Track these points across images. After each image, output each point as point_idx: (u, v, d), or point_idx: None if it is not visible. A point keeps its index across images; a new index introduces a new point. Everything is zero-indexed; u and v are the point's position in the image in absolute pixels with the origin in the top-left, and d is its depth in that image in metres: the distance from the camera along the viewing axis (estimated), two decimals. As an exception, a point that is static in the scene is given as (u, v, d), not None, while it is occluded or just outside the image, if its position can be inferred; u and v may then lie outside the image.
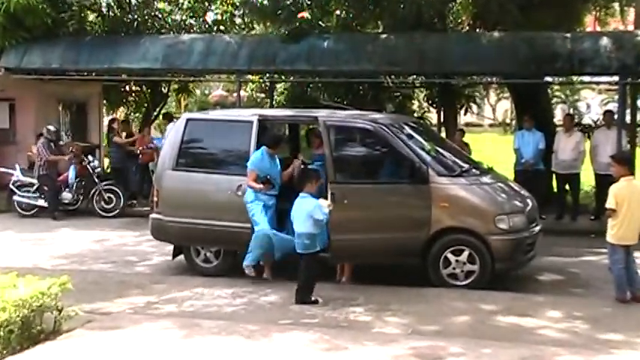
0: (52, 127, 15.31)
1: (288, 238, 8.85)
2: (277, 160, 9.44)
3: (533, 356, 6.38)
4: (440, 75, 15.63)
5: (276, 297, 8.49)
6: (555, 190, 14.58)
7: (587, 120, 22.96)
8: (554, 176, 14.46)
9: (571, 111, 32.23)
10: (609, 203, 8.14)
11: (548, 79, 17.76)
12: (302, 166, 10.14)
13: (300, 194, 8.39)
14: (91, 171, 15.31)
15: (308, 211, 8.19)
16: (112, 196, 15.20)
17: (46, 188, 14.97)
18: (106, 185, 15.29)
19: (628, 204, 8.05)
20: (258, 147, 9.40)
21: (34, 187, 15.11)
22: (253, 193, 9.15)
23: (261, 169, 9.17)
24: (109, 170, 17.39)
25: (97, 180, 15.24)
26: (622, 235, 8.15)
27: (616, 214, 8.08)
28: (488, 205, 9.05)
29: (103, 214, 15.04)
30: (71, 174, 15.22)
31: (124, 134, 17.05)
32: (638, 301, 8.14)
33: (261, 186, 9.13)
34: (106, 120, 23.56)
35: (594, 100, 38.13)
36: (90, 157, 15.64)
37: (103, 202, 15.17)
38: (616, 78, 14.04)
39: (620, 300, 8.16)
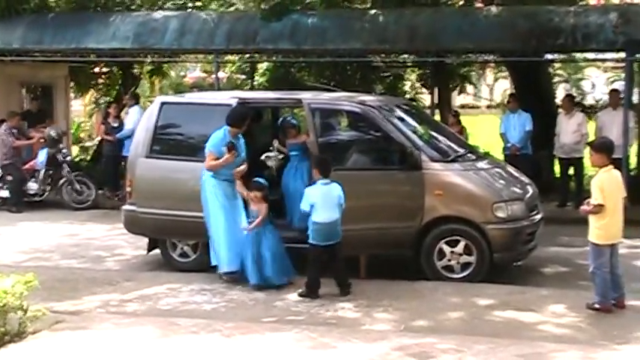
0: (54, 132, 15.28)
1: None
2: (242, 142, 9.15)
3: (533, 353, 6.42)
4: (433, 53, 15.63)
5: (259, 293, 8.50)
6: (558, 175, 14.64)
7: (591, 100, 23.05)
8: (556, 161, 14.54)
9: (574, 90, 32.28)
10: (596, 198, 7.60)
11: (550, 56, 17.79)
12: (281, 155, 10.08)
13: (321, 181, 8.40)
14: (61, 159, 15.25)
15: (339, 197, 8.36)
16: (83, 186, 15.15)
17: (9, 178, 14.91)
18: (76, 175, 15.24)
19: (612, 197, 7.68)
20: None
21: (-4, 178, 15.07)
22: (214, 179, 8.94)
23: (222, 152, 8.91)
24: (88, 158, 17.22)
25: (67, 169, 15.18)
26: (610, 234, 7.69)
27: (603, 209, 7.64)
28: (485, 192, 9.08)
29: (75, 205, 14.99)
30: (41, 158, 15.13)
31: None
32: (622, 307, 7.79)
33: (227, 156, 8.83)
34: (74, 104, 23.45)
35: (599, 79, 38.21)
36: (60, 145, 15.57)
37: (74, 194, 15.13)
38: (622, 54, 14.08)
39: (604, 310, 7.64)
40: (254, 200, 8.72)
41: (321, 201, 8.31)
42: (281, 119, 10.94)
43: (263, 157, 9.99)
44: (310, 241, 8.39)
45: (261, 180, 8.97)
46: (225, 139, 8.97)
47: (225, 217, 8.92)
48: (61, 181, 15.12)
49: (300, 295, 8.34)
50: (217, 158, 8.92)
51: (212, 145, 8.98)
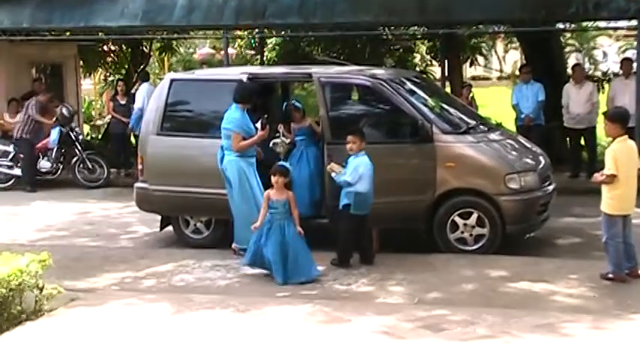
0: (66, 111, 15.35)
1: None
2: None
3: (547, 324, 6.41)
4: (443, 25, 15.50)
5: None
6: (569, 146, 14.58)
7: (605, 69, 22.90)
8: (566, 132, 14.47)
9: (586, 60, 32.13)
10: (610, 169, 7.54)
11: (560, 25, 17.64)
12: (288, 140, 9.93)
13: (362, 152, 8.45)
14: (73, 138, 15.29)
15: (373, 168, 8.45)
16: (95, 165, 15.20)
17: (22, 155, 14.97)
18: (88, 154, 15.28)
19: (626, 168, 7.62)
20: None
21: (10, 156, 15.11)
22: (241, 158, 8.85)
23: (245, 129, 8.92)
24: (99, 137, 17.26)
25: (79, 148, 15.23)
26: (622, 205, 7.67)
27: (616, 179, 7.58)
28: (497, 163, 9.05)
29: (87, 183, 15.05)
30: (54, 136, 15.17)
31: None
32: (636, 276, 7.77)
33: (261, 132, 8.91)
34: (84, 83, 23.46)
35: (611, 48, 37.97)
36: (72, 124, 15.61)
37: (86, 172, 15.18)
38: (634, 22, 13.93)
39: (619, 279, 7.65)
40: (275, 185, 8.18)
41: (368, 172, 8.37)
42: (285, 103, 10.75)
43: (271, 145, 9.84)
44: (352, 211, 8.41)
45: (286, 164, 8.70)
46: (243, 116, 8.94)
47: (258, 194, 8.75)
48: (74, 160, 15.17)
49: (332, 263, 8.45)
50: (244, 138, 8.89)
51: (236, 126, 8.88)
